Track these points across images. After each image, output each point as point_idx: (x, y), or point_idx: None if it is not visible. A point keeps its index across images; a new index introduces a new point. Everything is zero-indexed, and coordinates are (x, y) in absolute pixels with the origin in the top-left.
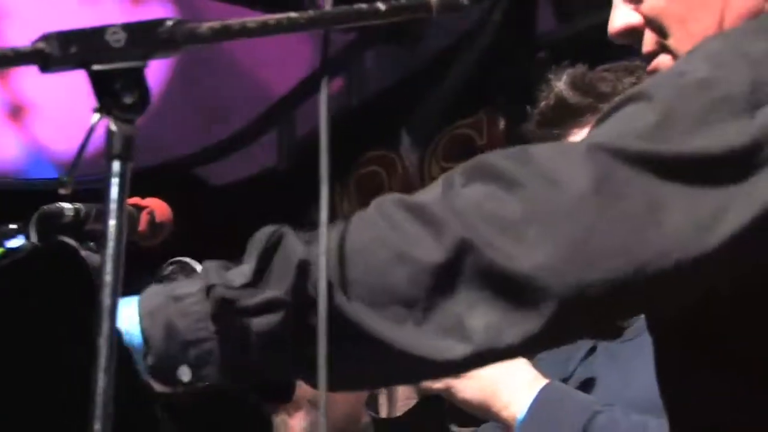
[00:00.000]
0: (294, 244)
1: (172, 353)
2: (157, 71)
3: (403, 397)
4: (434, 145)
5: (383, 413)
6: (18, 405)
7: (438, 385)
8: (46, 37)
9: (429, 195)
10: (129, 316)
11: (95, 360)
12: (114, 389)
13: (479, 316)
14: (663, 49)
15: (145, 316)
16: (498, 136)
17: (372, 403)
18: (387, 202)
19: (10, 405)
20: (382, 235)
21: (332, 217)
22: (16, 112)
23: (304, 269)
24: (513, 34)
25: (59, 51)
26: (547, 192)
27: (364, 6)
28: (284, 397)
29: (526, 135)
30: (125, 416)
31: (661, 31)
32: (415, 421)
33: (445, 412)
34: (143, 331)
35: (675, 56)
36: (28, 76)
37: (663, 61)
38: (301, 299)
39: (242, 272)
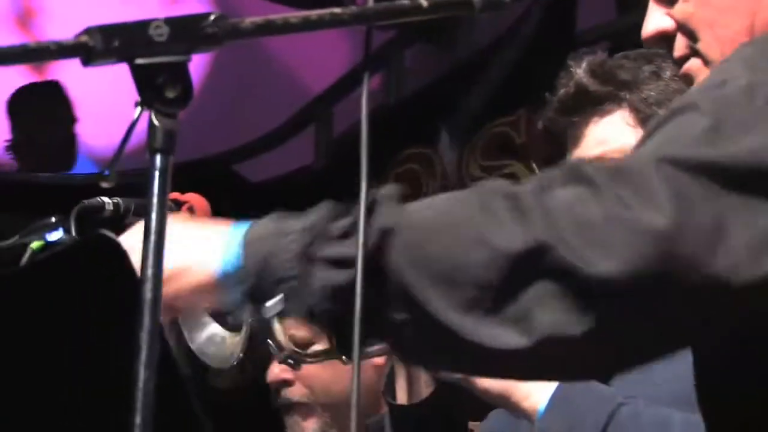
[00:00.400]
0: (385, 212)
1: (265, 285)
2: (195, 67)
3: (424, 385)
4: (473, 144)
5: (401, 399)
6: (59, 398)
7: (458, 374)
8: (88, 31)
9: (526, 187)
10: (234, 239)
11: (137, 354)
12: (155, 383)
13: (548, 312)
14: (694, 53)
15: (249, 243)
16: (537, 135)
17: (390, 390)
18: (489, 184)
19: (51, 398)
20: (470, 214)
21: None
22: None
23: (386, 235)
24: (553, 31)
25: (102, 44)
26: (629, 203)
27: (406, 2)
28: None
29: (545, 122)
30: (166, 410)
31: (691, 36)
32: (431, 410)
33: (461, 401)
34: (243, 257)
35: (705, 61)
36: (66, 72)
37: (693, 65)
38: (372, 264)
39: (341, 225)
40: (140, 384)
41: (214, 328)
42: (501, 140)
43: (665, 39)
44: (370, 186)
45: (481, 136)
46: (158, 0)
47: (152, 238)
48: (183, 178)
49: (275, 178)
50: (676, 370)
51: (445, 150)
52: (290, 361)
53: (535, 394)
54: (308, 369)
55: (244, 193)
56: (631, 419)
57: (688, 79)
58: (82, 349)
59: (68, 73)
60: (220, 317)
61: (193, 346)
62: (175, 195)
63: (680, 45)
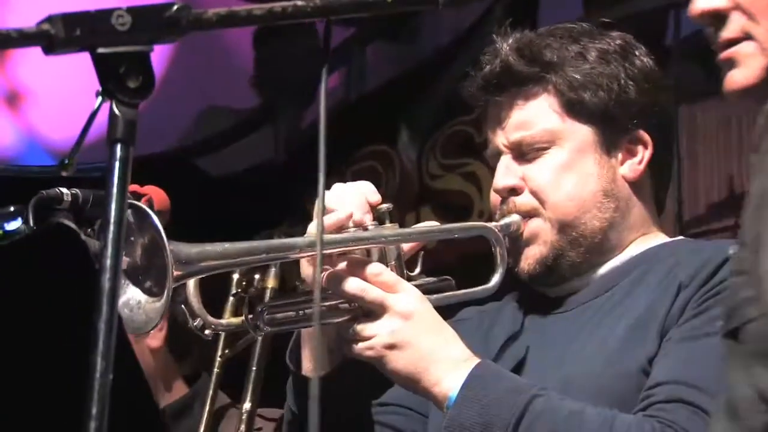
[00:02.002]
0: None
1: None
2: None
3: (329, 358)
4: (432, 142)
5: (306, 370)
6: (15, 386)
7: (369, 353)
8: (50, 19)
9: None
10: None
11: (94, 344)
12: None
13: None
14: (747, 36)
15: None
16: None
17: (294, 358)
18: None
19: (7, 385)
20: None
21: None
22: (13, 99)
23: None
24: (515, 29)
25: (64, 33)
26: None
27: None
28: None
29: (466, 97)
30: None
31: (751, 17)
32: (334, 383)
33: (367, 378)
34: None
35: (761, 45)
36: (25, 63)
37: (745, 49)
38: None
39: None
40: (97, 374)
41: (131, 292)
42: (461, 139)
43: (715, 17)
44: (328, 183)
45: (441, 134)
46: None
47: (111, 228)
48: (145, 171)
49: (236, 173)
50: (592, 362)
51: (405, 148)
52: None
53: (446, 381)
54: None
55: (204, 186)
56: (546, 412)
57: (729, 63)
58: (39, 336)
59: (26, 64)
60: (138, 279)
61: None
62: (134, 187)
63: (735, 27)
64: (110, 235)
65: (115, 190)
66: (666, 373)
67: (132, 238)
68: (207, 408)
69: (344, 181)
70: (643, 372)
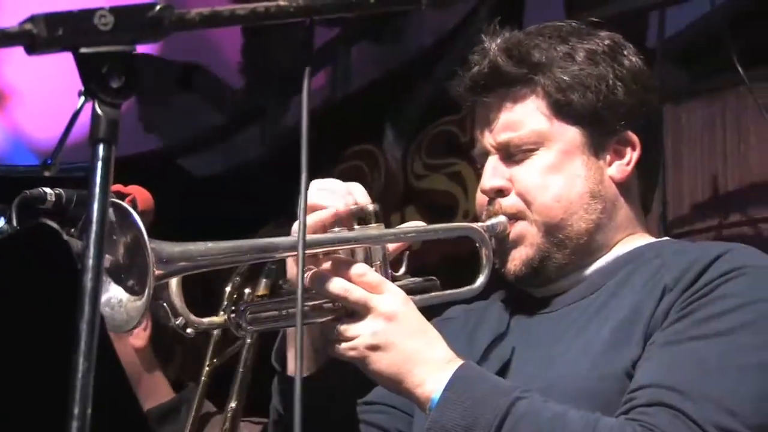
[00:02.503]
0: None
1: None
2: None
3: (313, 358)
4: (417, 142)
5: (291, 370)
6: None
7: (352, 353)
8: (33, 19)
9: None
10: None
11: (76, 344)
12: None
13: None
14: None
15: None
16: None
17: (279, 357)
18: None
19: None
20: None
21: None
22: None
23: None
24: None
25: (46, 33)
26: None
27: None
28: None
29: (454, 96)
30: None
31: None
32: (319, 383)
33: (351, 379)
34: None
35: None
36: (10, 62)
37: None
38: None
39: None
40: (79, 374)
41: (113, 291)
42: (446, 139)
43: None
44: (310, 179)
45: (426, 134)
46: None
47: (93, 227)
48: (129, 171)
49: (221, 172)
50: (577, 364)
51: (390, 147)
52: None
53: (429, 382)
54: None
55: (189, 186)
56: (528, 414)
57: None
58: (21, 336)
59: (12, 63)
60: (119, 278)
61: None
62: (117, 187)
63: None
64: (92, 235)
65: (97, 190)
66: (649, 377)
67: (114, 237)
68: (192, 414)
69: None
70: (627, 375)
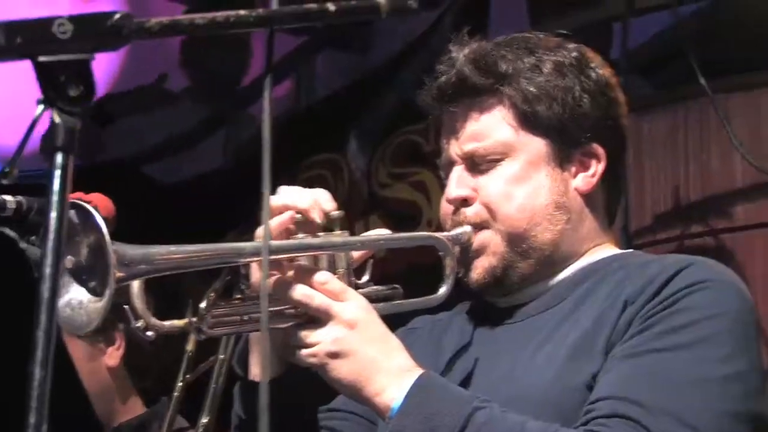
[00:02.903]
0: None
1: None
2: (107, 67)
3: (277, 363)
4: (381, 150)
5: (253, 375)
6: None
7: (312, 360)
8: None
9: None
10: None
11: (33, 353)
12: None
13: None
14: None
15: None
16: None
17: (241, 362)
18: None
19: None
20: None
21: None
22: None
23: None
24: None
25: (5, 41)
26: None
27: (313, 6)
28: None
29: (421, 105)
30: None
31: None
32: (282, 388)
33: (312, 385)
34: None
35: None
36: None
37: None
38: None
39: None
40: (35, 383)
41: (75, 292)
42: (410, 148)
43: None
44: (273, 187)
45: (390, 143)
46: (69, 2)
47: (51, 236)
48: (93, 179)
49: (184, 181)
50: (539, 376)
51: (354, 156)
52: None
53: (389, 391)
54: None
55: (153, 194)
56: (487, 424)
57: None
58: None
59: None
60: (82, 279)
61: None
62: (79, 195)
63: None
64: (50, 244)
65: (55, 198)
66: (608, 389)
67: (77, 238)
68: (165, 429)
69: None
70: (588, 387)
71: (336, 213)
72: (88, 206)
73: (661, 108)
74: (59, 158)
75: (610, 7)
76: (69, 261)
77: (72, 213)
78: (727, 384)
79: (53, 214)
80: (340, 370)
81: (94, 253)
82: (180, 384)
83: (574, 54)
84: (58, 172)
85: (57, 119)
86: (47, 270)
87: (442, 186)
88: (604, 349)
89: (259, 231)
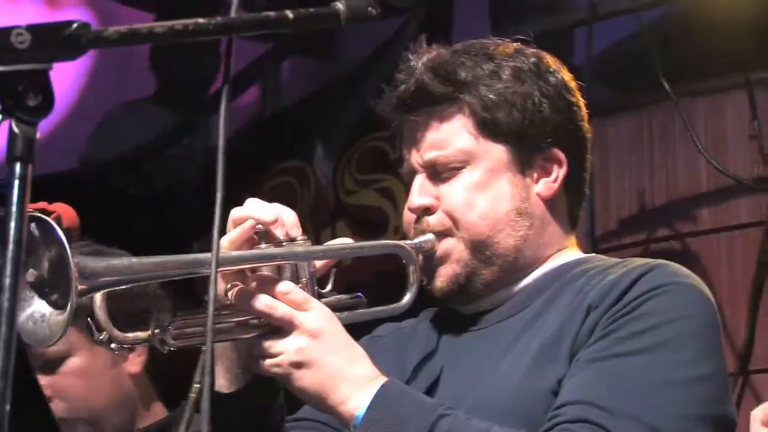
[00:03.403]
0: None
1: None
2: (73, 76)
3: (241, 376)
4: (347, 157)
5: (219, 385)
6: None
7: (276, 369)
8: None
9: None
10: None
11: None
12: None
13: None
14: None
15: None
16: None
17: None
18: None
19: None
20: None
21: None
22: None
23: None
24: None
25: None
26: None
27: (272, 14)
28: None
29: (381, 114)
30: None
31: None
32: (247, 398)
33: (277, 395)
34: None
35: None
36: None
37: None
38: None
39: None
40: None
41: (37, 305)
42: (376, 154)
43: None
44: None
45: (356, 149)
46: (35, 9)
47: (10, 246)
48: (60, 188)
49: (152, 190)
50: (504, 382)
51: (320, 163)
52: (112, 344)
53: (354, 399)
54: (64, 382)
55: (119, 204)
56: (452, 431)
57: None
58: None
59: None
60: (44, 292)
61: None
62: (42, 205)
63: None
64: (9, 254)
65: (14, 208)
66: (572, 394)
67: (38, 251)
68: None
69: (259, 196)
70: (554, 393)
71: (296, 232)
72: (49, 219)
73: (625, 113)
74: (17, 168)
75: (573, 13)
76: (31, 274)
77: (33, 226)
78: (691, 387)
79: (12, 225)
80: (304, 379)
81: (55, 266)
82: (195, 385)
83: (533, 59)
84: (16, 182)
85: (15, 129)
86: (6, 281)
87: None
88: (568, 354)
89: (223, 239)
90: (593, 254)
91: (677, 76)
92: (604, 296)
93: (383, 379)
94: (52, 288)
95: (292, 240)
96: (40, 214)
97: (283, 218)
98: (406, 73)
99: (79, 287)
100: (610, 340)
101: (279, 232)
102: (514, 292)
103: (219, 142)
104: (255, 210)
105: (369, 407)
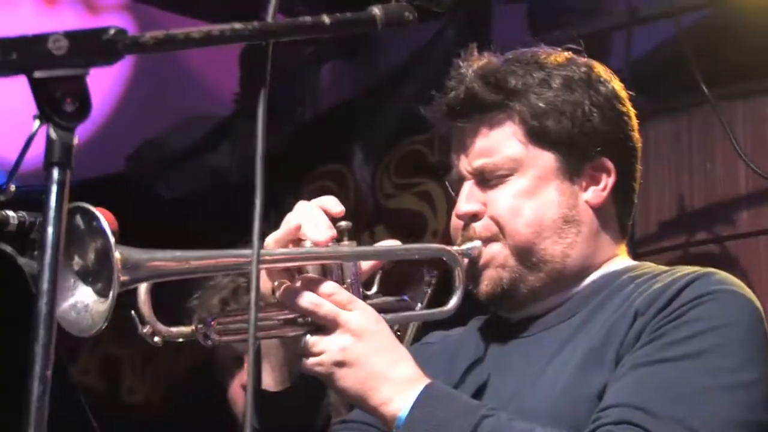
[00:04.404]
0: None
1: None
2: (112, 82)
3: (288, 374)
4: (386, 161)
5: (266, 384)
6: None
7: (319, 368)
8: None
9: None
10: None
11: (31, 368)
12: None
13: None
14: None
15: None
16: (450, 153)
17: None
18: None
19: None
20: None
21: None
22: None
23: None
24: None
25: (1, 56)
26: None
27: (309, 19)
28: None
29: (431, 121)
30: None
31: None
32: (294, 397)
33: (323, 394)
34: None
35: None
36: None
37: None
38: None
39: None
40: (33, 398)
41: (80, 294)
42: (414, 158)
43: None
44: (283, 203)
45: (395, 153)
46: (75, 15)
47: (48, 252)
48: (97, 192)
49: (188, 193)
50: (550, 388)
51: (359, 167)
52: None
53: (396, 400)
54: None
55: (158, 208)
56: (495, 431)
57: None
58: None
59: None
60: (88, 282)
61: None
62: None
63: None
64: (47, 259)
65: (52, 213)
66: (617, 397)
67: (83, 241)
68: None
69: (299, 200)
70: (599, 397)
71: (343, 223)
72: (94, 210)
73: (664, 116)
74: (55, 173)
75: (612, 17)
76: (75, 263)
77: (78, 217)
78: (734, 393)
79: (50, 229)
80: (346, 379)
81: (100, 256)
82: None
83: (584, 69)
84: (54, 187)
85: (53, 135)
86: (44, 285)
87: (448, 196)
88: (614, 359)
89: (269, 238)
90: (642, 262)
91: (716, 79)
92: (651, 303)
93: (426, 381)
94: (96, 278)
95: (338, 219)
96: (85, 205)
97: (326, 204)
98: (456, 80)
99: (122, 278)
100: (655, 345)
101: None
102: (563, 299)
103: (257, 147)
104: (300, 210)
105: (412, 408)
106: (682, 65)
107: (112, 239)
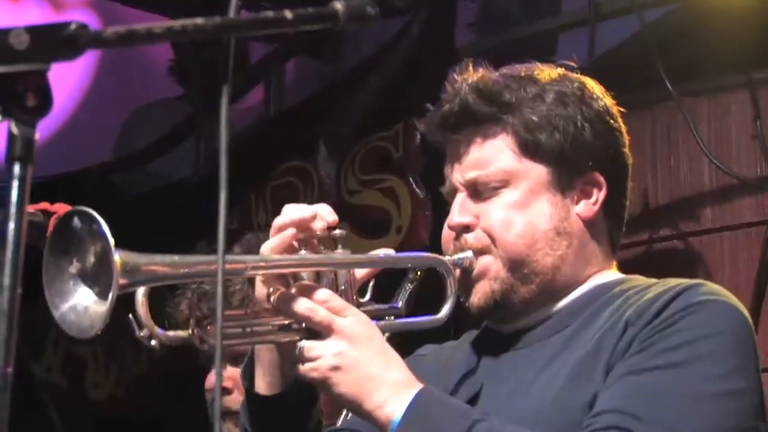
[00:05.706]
0: None
1: None
2: (77, 78)
3: (282, 378)
4: (351, 157)
5: (258, 387)
6: None
7: (314, 374)
8: None
9: None
10: None
11: None
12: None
13: None
14: None
15: None
16: (414, 150)
17: (248, 376)
18: None
19: None
20: None
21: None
22: None
23: None
24: (431, 47)
25: None
26: None
27: (271, 14)
28: None
29: (425, 133)
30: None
31: None
32: (286, 402)
33: (317, 399)
34: None
35: None
36: None
37: None
38: None
39: None
40: None
41: (80, 296)
42: (379, 154)
43: None
44: (247, 199)
45: (359, 150)
46: (40, 11)
47: (10, 246)
48: (62, 189)
49: (154, 190)
50: (540, 397)
51: (324, 163)
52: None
53: (390, 405)
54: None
55: (122, 204)
56: None
57: None
58: None
59: None
60: (87, 284)
61: (55, 314)
62: (44, 205)
63: None
64: (9, 254)
65: (13, 209)
66: (607, 403)
67: (84, 244)
68: None
69: (263, 196)
70: (589, 406)
71: (337, 231)
72: (95, 213)
73: (628, 113)
74: (17, 169)
75: (576, 14)
76: (74, 266)
77: (76, 220)
78: (723, 400)
79: (11, 225)
80: (341, 384)
81: (99, 259)
82: None
83: (577, 84)
84: (15, 183)
85: (15, 130)
86: (5, 280)
87: (412, 193)
88: (604, 369)
89: (264, 246)
90: (632, 275)
91: (680, 75)
92: (641, 314)
93: (420, 385)
94: (95, 280)
95: (332, 228)
96: (85, 209)
97: (320, 212)
98: (450, 93)
99: (121, 281)
100: (645, 354)
101: (318, 225)
102: (553, 311)
103: (221, 142)
104: (293, 213)
105: (405, 412)
106: (646, 61)
107: (112, 242)
